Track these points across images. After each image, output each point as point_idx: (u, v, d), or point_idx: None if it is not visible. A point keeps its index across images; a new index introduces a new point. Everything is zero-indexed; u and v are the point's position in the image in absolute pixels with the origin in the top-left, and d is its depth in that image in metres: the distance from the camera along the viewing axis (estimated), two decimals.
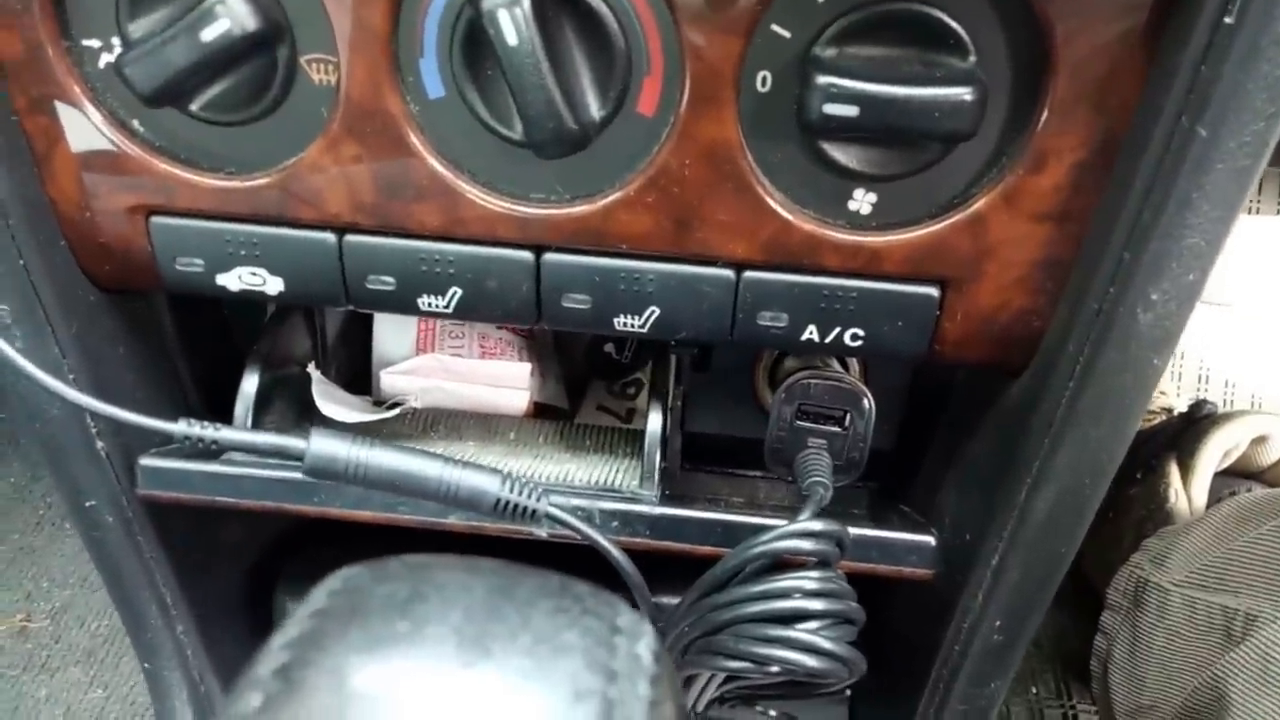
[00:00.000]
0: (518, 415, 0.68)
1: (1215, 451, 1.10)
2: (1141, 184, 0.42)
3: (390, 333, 0.69)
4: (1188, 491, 1.09)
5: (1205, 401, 1.17)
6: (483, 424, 0.67)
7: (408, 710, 0.20)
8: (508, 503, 0.48)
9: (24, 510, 1.43)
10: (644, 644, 0.24)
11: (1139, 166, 0.42)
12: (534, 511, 0.48)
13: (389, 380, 0.66)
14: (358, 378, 0.72)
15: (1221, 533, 0.87)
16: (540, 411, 0.71)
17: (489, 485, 0.48)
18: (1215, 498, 1.08)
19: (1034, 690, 1.23)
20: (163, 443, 0.62)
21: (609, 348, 0.74)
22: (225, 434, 0.47)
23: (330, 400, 0.64)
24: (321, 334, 0.69)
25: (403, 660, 0.21)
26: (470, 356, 0.69)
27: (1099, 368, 0.46)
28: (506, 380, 0.67)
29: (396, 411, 0.65)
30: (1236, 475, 1.13)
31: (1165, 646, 0.84)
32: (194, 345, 0.66)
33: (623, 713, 0.21)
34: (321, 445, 0.47)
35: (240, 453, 0.61)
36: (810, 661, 0.47)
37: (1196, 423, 1.13)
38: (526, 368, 0.67)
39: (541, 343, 0.75)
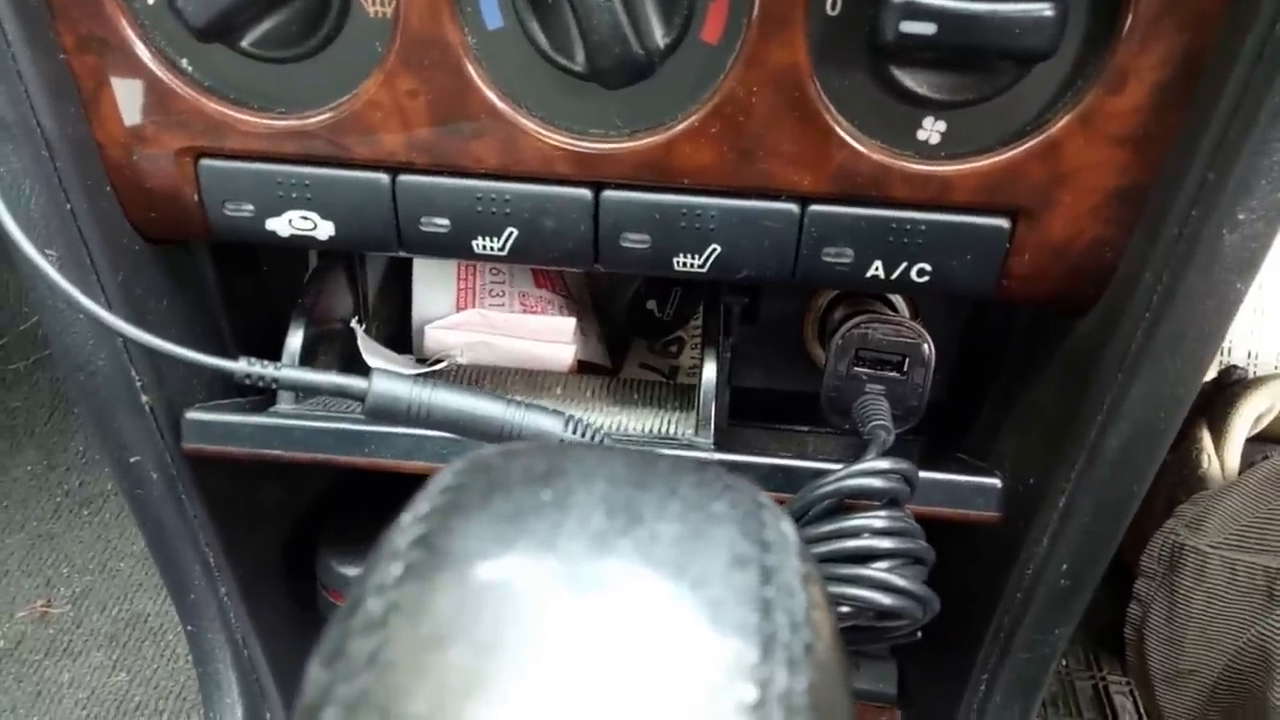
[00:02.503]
0: (562, 370, 0.67)
1: (1247, 416, 1.09)
2: (1228, 100, 0.41)
3: (430, 290, 0.68)
4: (1220, 457, 1.09)
5: (1235, 367, 1.16)
6: (528, 379, 0.66)
7: (565, 576, 0.19)
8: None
9: (42, 498, 1.42)
10: (786, 521, 0.23)
11: (1225, 82, 0.41)
12: None
13: (434, 335, 0.65)
14: (397, 336, 0.71)
15: (1259, 495, 0.86)
16: (583, 369, 0.70)
17: (552, 426, 0.47)
18: (1248, 462, 1.08)
19: (1064, 662, 1.22)
20: (207, 398, 0.61)
21: (650, 305, 0.73)
22: (286, 373, 0.46)
23: (375, 355, 0.63)
24: (363, 290, 0.68)
25: (552, 526, 0.20)
26: (512, 313, 0.67)
27: (1179, 296, 0.45)
28: (551, 335, 0.66)
29: (441, 366, 0.63)
30: (1267, 440, 1.13)
31: (1204, 610, 0.83)
32: (235, 301, 0.64)
33: (781, 580, 0.20)
34: (384, 384, 0.46)
35: (287, 404, 0.60)
36: (884, 599, 0.46)
37: (1227, 388, 1.12)
38: (571, 321, 0.66)
39: (581, 300, 0.74)
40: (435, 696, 0.18)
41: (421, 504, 0.22)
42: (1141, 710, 1.14)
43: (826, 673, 0.19)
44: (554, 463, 0.22)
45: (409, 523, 0.21)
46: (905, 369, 0.58)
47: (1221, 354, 1.48)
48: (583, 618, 0.19)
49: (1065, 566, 0.54)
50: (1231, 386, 1.12)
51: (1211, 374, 1.23)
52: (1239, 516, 0.85)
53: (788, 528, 0.22)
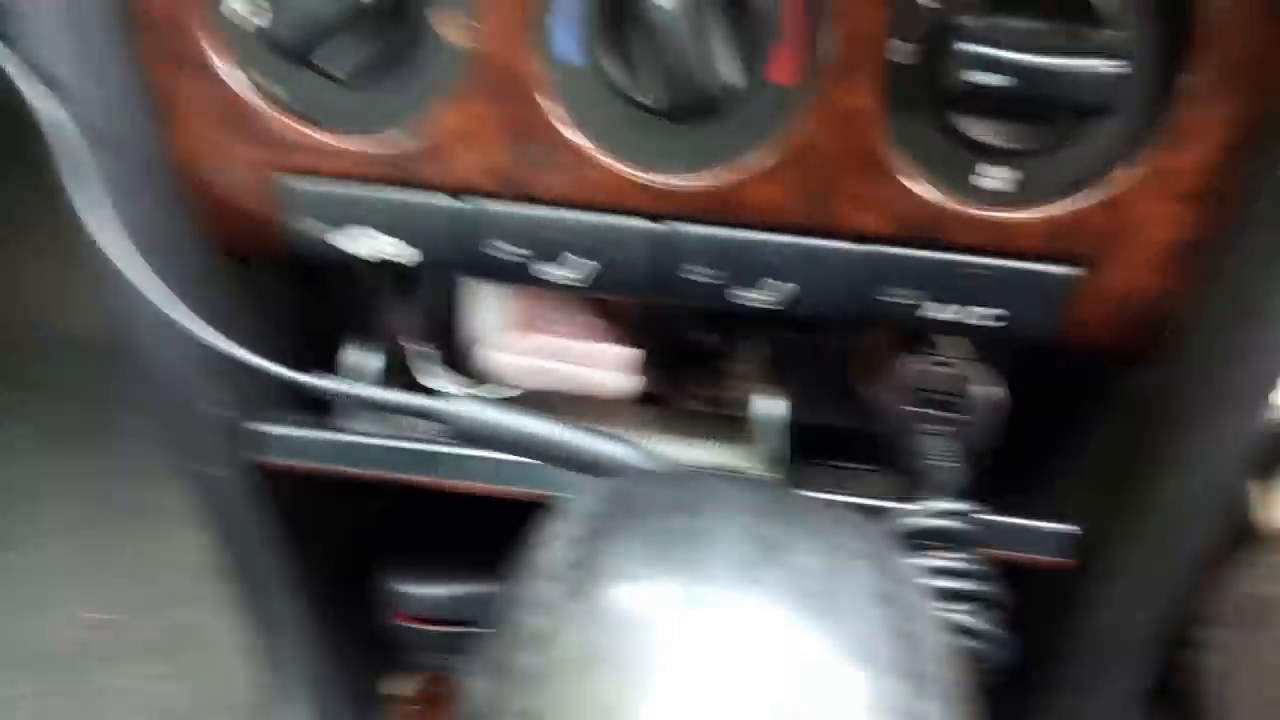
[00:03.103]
0: (618, 399, 0.67)
1: None
2: None
3: (488, 313, 0.69)
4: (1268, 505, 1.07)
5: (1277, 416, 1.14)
6: (581, 407, 0.67)
7: (718, 603, 0.20)
8: None
9: (93, 507, 1.43)
10: (910, 561, 0.23)
11: None
12: None
13: (490, 356, 0.66)
14: (450, 359, 0.72)
15: None
16: (642, 399, 0.71)
17: (628, 456, 0.47)
18: None
19: None
20: (277, 407, 0.61)
21: (700, 335, 0.74)
22: (375, 392, 0.47)
23: (431, 376, 0.64)
24: (420, 310, 0.69)
25: (705, 552, 0.21)
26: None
27: (1238, 348, 0.45)
28: (610, 363, 0.67)
29: (509, 395, 0.64)
30: None
31: None
32: (300, 317, 0.66)
33: (920, 615, 0.21)
34: (471, 408, 0.47)
35: (356, 422, 0.61)
36: (965, 642, 0.46)
37: (1270, 436, 1.10)
38: (636, 352, 0.67)
39: (635, 329, 0.74)
40: (596, 713, 0.19)
41: (570, 527, 0.23)
42: None
43: (962, 708, 0.20)
44: (695, 493, 0.23)
45: (563, 545, 0.22)
46: (969, 411, 0.58)
47: None
48: (735, 647, 0.20)
49: (1138, 616, 0.54)
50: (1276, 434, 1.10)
51: None
52: None
53: (913, 566, 0.23)
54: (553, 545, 0.22)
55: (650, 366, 0.75)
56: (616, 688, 0.19)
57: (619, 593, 0.20)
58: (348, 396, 0.47)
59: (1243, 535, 1.00)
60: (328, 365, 0.63)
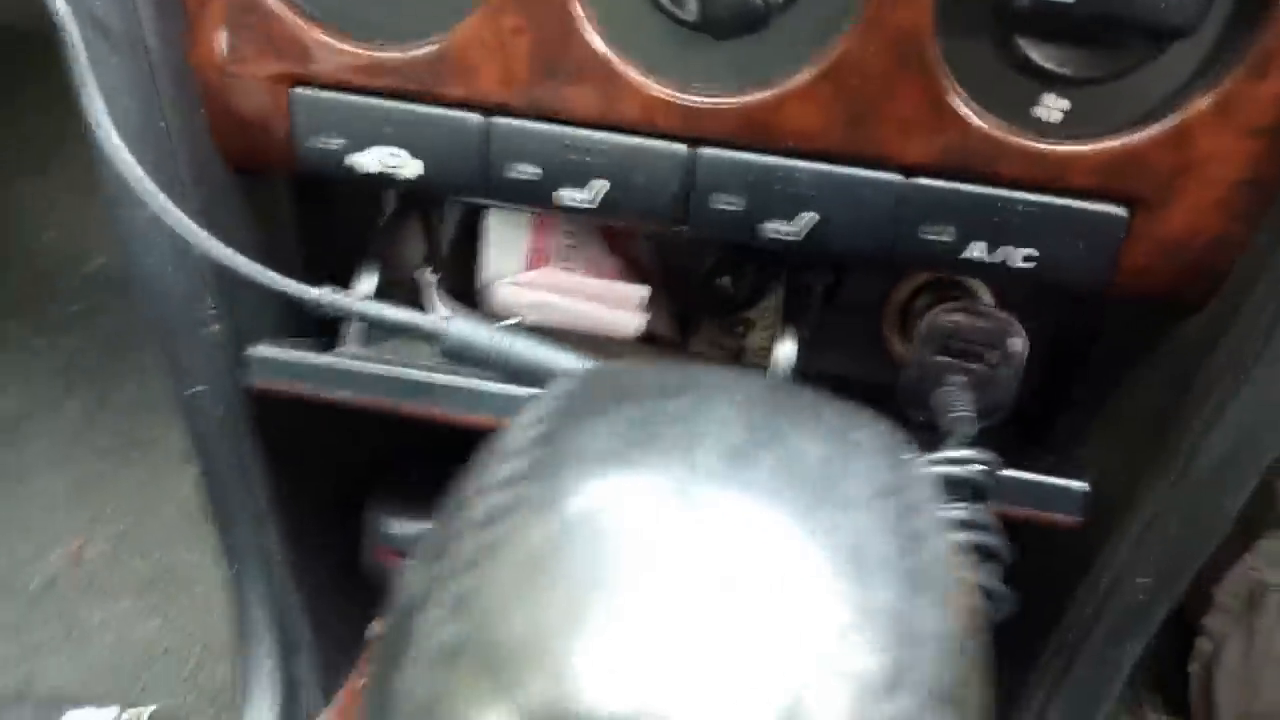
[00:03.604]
0: (629, 338, 0.65)
1: None
2: None
3: (502, 248, 0.67)
4: None
5: None
6: (594, 346, 0.64)
7: (698, 492, 0.18)
8: None
9: (91, 437, 1.44)
10: (923, 461, 0.21)
11: None
12: None
13: (502, 291, 0.64)
14: (462, 293, 0.70)
15: None
16: (650, 340, 0.69)
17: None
18: None
19: None
20: (272, 336, 0.60)
21: (723, 281, 0.71)
22: (368, 306, 0.45)
23: (443, 307, 0.62)
24: (436, 241, 0.67)
25: (688, 435, 0.18)
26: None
27: None
28: (621, 300, 0.65)
29: (510, 323, 0.62)
30: None
31: None
32: (310, 239, 0.64)
33: (925, 516, 0.19)
34: (462, 326, 0.45)
35: (353, 348, 0.59)
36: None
37: None
38: (642, 289, 0.65)
39: (653, 272, 0.72)
40: (537, 617, 0.17)
41: (541, 405, 0.20)
42: None
43: (972, 621, 0.18)
44: (688, 376, 0.21)
45: (529, 421, 0.20)
46: (993, 361, 0.55)
47: None
48: (709, 547, 0.17)
49: (1145, 580, 0.52)
50: None
51: None
52: None
53: (925, 467, 0.21)
54: (519, 423, 0.20)
55: (666, 309, 0.72)
56: (565, 589, 0.16)
57: (587, 472, 0.18)
58: (337, 307, 0.45)
59: (1270, 523, 0.98)
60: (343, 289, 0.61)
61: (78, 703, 1.07)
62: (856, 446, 0.19)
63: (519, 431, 0.20)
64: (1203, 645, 0.89)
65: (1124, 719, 1.16)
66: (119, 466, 1.39)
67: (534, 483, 0.18)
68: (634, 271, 0.70)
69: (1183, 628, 0.97)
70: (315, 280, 0.65)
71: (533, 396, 0.52)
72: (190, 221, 0.46)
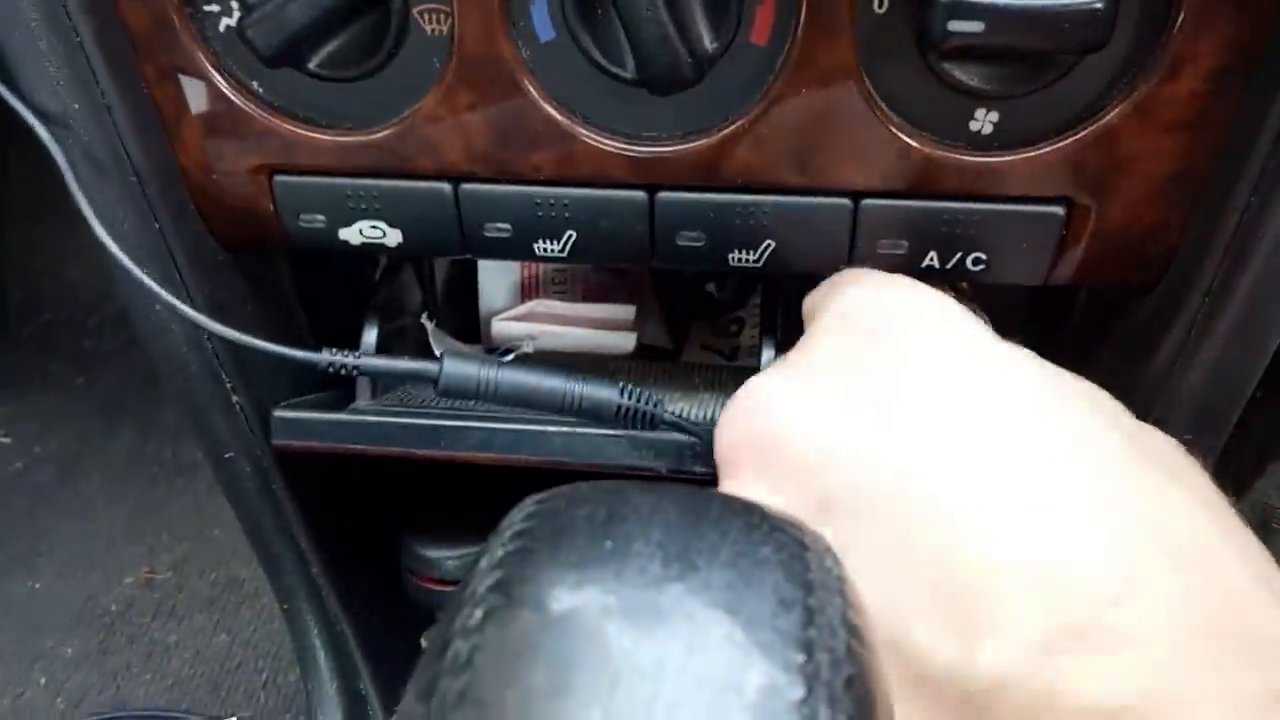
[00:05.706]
0: (625, 356, 0.69)
1: None
2: None
3: (495, 283, 0.71)
4: None
5: None
6: (592, 364, 0.68)
7: (624, 623, 0.21)
8: (629, 409, 0.51)
9: (140, 471, 1.50)
10: (830, 559, 0.24)
11: None
12: (653, 417, 0.51)
13: (500, 327, 0.67)
14: (465, 329, 0.74)
15: None
16: (645, 352, 0.72)
17: (609, 394, 0.51)
18: None
19: None
20: (291, 396, 0.64)
21: (710, 286, 0.74)
22: (364, 360, 0.50)
23: (445, 346, 0.66)
24: (431, 286, 0.71)
25: (614, 576, 0.22)
26: (574, 301, 0.70)
27: (1241, 279, 0.45)
28: (612, 322, 0.68)
29: (511, 357, 0.66)
30: None
31: None
32: (314, 302, 0.68)
33: (823, 619, 0.22)
34: (454, 364, 0.49)
35: (365, 401, 0.63)
36: None
37: None
38: (631, 309, 0.68)
39: (642, 284, 0.75)
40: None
41: (495, 549, 0.24)
42: None
43: (864, 705, 0.21)
44: (614, 509, 0.24)
45: (485, 569, 0.24)
46: None
47: None
48: (640, 656, 0.21)
49: None
50: None
51: None
52: None
53: (831, 562, 0.24)
54: (480, 568, 0.24)
55: (658, 318, 0.76)
56: (534, 701, 0.20)
57: (534, 615, 0.22)
58: (338, 366, 0.50)
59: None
60: (352, 345, 0.64)
61: None
62: (761, 564, 0.23)
63: (478, 580, 0.23)
64: None
65: None
66: (169, 494, 1.46)
67: (491, 629, 0.22)
68: (623, 285, 0.73)
69: None
70: (322, 337, 0.70)
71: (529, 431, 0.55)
72: (199, 315, 0.50)
